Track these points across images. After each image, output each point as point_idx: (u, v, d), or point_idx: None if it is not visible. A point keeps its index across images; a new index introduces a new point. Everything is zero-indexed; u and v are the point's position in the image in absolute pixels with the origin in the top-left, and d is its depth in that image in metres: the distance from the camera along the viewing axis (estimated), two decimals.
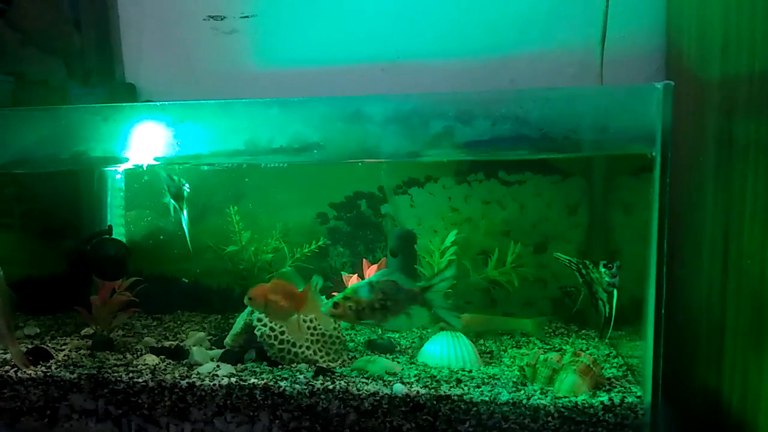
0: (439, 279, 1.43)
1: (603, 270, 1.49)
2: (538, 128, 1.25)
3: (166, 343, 1.75)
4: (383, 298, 1.42)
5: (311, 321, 1.60)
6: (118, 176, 1.99)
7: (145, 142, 1.42)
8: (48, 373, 1.52)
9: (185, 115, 1.41)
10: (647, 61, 1.82)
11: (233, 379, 1.44)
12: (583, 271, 1.57)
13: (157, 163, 1.51)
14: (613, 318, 1.50)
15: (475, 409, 1.33)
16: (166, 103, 1.42)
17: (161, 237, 1.99)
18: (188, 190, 1.74)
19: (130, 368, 1.54)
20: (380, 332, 1.70)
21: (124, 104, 1.49)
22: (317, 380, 1.43)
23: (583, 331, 1.80)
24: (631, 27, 1.82)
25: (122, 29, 2.11)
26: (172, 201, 1.73)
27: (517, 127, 1.25)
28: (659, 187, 1.21)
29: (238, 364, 1.55)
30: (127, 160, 1.46)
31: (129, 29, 2.11)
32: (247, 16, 2.04)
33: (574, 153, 1.28)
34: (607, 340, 1.65)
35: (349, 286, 1.46)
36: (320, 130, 1.35)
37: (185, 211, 1.73)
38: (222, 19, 2.05)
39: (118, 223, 1.97)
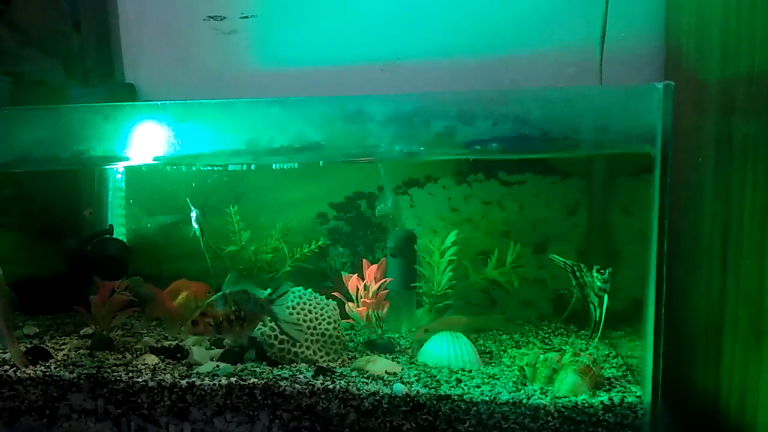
0: (278, 295, 1.49)
1: (595, 274, 1.51)
2: (539, 128, 1.25)
3: (166, 343, 1.75)
4: (237, 309, 1.45)
5: (311, 321, 1.60)
6: (119, 176, 1.99)
7: (146, 141, 1.42)
8: (47, 373, 1.51)
9: (186, 115, 1.41)
10: (646, 62, 1.82)
11: (233, 379, 1.44)
12: (578, 274, 1.58)
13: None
14: (602, 322, 1.51)
15: (475, 408, 1.33)
16: (167, 102, 1.42)
17: (161, 237, 2.00)
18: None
19: (130, 368, 1.54)
20: (380, 332, 1.70)
21: (125, 103, 1.49)
22: (317, 380, 1.43)
23: (582, 332, 1.81)
24: (630, 27, 1.82)
25: (122, 29, 2.10)
26: (201, 237, 1.86)
27: (518, 127, 1.25)
28: (659, 188, 1.21)
29: (238, 364, 1.55)
30: (128, 159, 1.46)
31: (129, 29, 2.11)
32: (246, 17, 2.04)
33: (575, 153, 1.28)
34: (606, 341, 1.66)
35: (207, 302, 1.47)
36: (321, 129, 1.35)
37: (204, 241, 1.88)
38: (222, 20, 2.05)
39: (119, 223, 1.97)
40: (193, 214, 1.84)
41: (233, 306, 1.45)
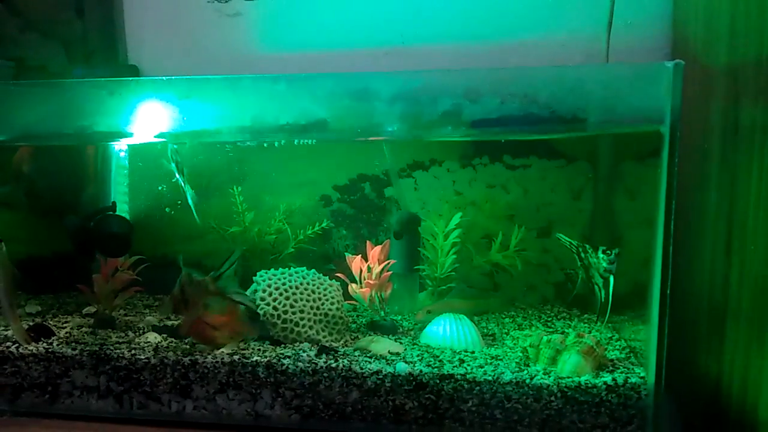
0: (228, 266, 1.46)
1: (601, 255, 1.50)
2: (547, 107, 1.25)
3: (168, 322, 1.74)
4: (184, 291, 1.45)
5: (314, 301, 1.60)
6: (122, 153, 1.98)
7: (150, 117, 1.42)
8: (49, 350, 1.51)
9: (191, 90, 1.40)
10: (654, 49, 1.81)
11: (236, 357, 1.44)
12: (582, 255, 1.57)
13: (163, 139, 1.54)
14: (609, 304, 1.51)
15: (478, 388, 1.33)
16: (173, 77, 1.41)
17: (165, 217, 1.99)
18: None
19: (132, 345, 1.54)
20: (383, 314, 1.70)
21: (130, 78, 1.49)
22: (320, 358, 1.43)
23: (586, 316, 1.81)
24: (637, 14, 1.81)
25: (126, 11, 2.10)
26: (179, 175, 1.74)
27: (526, 106, 1.24)
28: (667, 168, 1.21)
29: (241, 343, 1.55)
30: (131, 135, 1.45)
31: (132, 11, 2.10)
32: None
33: (583, 132, 1.27)
34: (609, 325, 1.65)
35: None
36: (327, 106, 1.35)
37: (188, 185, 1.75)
38: (226, 2, 2.04)
39: (122, 200, 1.97)
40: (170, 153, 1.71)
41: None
